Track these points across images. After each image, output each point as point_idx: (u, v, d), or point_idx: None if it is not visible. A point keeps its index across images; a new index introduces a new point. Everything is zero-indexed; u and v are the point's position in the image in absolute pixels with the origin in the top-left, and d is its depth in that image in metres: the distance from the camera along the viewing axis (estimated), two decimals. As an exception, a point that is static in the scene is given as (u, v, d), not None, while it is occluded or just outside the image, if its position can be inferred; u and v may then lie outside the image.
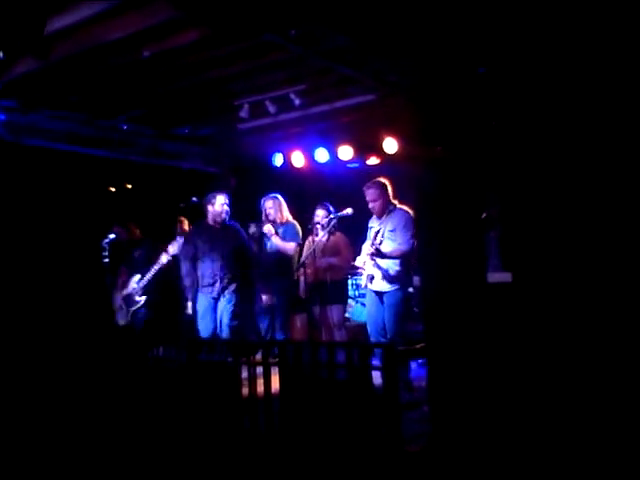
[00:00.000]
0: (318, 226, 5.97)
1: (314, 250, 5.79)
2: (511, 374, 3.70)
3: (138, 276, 6.13)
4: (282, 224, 6.22)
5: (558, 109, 3.83)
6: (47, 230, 6.38)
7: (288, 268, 6.17)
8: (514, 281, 3.80)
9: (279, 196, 6.37)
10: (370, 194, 5.37)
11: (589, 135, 3.73)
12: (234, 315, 5.86)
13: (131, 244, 6.31)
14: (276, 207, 6.27)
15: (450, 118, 4.03)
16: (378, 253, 5.14)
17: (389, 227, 5.26)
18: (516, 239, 3.90)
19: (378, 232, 5.24)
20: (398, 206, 5.38)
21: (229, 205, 6.02)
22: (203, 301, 5.89)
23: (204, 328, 5.85)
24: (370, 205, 5.39)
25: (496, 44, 4.15)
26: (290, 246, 6.16)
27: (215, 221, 5.98)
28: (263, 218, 6.27)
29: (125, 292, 6.20)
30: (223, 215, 5.96)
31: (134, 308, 6.12)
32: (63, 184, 6.53)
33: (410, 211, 5.30)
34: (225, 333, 5.81)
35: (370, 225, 5.52)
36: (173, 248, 6.04)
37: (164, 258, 6.00)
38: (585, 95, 3.75)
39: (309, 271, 5.81)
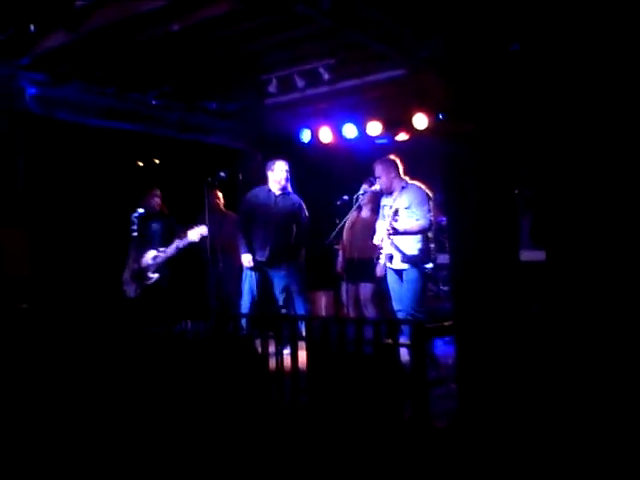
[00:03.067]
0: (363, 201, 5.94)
1: (347, 226, 5.81)
2: (541, 353, 3.67)
3: (154, 252, 6.06)
4: None
5: (593, 87, 3.74)
6: (76, 204, 6.45)
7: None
8: (548, 260, 3.74)
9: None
10: (375, 171, 5.43)
11: (628, 112, 3.63)
12: (287, 296, 5.95)
13: (149, 217, 6.17)
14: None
15: (482, 94, 3.96)
16: (395, 232, 5.12)
17: (404, 204, 5.24)
18: (551, 218, 3.83)
19: (391, 208, 5.24)
20: (410, 182, 5.35)
21: (289, 172, 5.98)
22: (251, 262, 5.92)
23: (245, 289, 5.94)
24: (376, 182, 5.42)
25: (530, 21, 4.06)
26: None
27: (275, 187, 5.96)
28: None
29: (137, 266, 6.09)
30: (282, 181, 5.93)
31: (148, 283, 6.09)
32: (92, 157, 6.57)
33: (423, 187, 5.30)
34: (275, 307, 5.93)
35: (383, 203, 5.49)
36: (193, 235, 5.97)
37: (181, 243, 5.98)
38: (622, 71, 3.65)
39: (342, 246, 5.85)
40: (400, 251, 5.19)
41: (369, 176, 5.90)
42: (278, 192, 5.97)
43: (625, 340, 3.45)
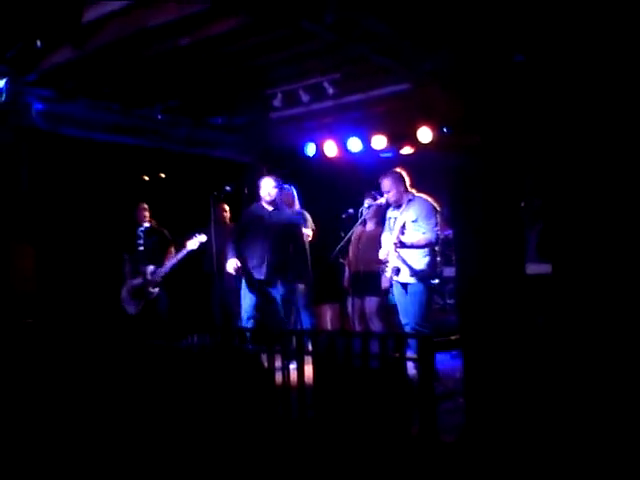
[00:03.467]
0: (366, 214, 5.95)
1: (353, 240, 5.81)
2: (548, 366, 3.65)
3: (152, 267, 6.09)
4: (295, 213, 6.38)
5: (598, 98, 3.74)
6: (82, 218, 6.48)
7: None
8: (554, 273, 3.73)
9: (292, 188, 6.56)
10: (384, 185, 5.39)
11: (634, 122, 3.63)
12: (289, 312, 5.91)
13: (144, 232, 6.21)
14: (293, 197, 6.48)
15: (488, 106, 3.97)
16: (402, 245, 5.11)
17: (411, 217, 5.22)
18: (558, 231, 3.83)
19: (396, 221, 5.23)
20: (417, 195, 5.35)
21: (279, 187, 5.99)
22: (249, 281, 5.85)
23: (244, 308, 5.86)
24: (385, 196, 5.39)
25: (534, 33, 4.08)
26: (308, 232, 6.38)
27: (267, 203, 5.96)
28: None
29: (137, 283, 6.14)
30: (268, 198, 5.92)
31: (149, 298, 6.08)
32: (97, 172, 6.61)
33: (430, 199, 5.27)
34: (279, 324, 5.84)
35: (389, 215, 5.48)
36: (192, 244, 6.07)
37: (180, 254, 6.10)
38: (625, 80, 3.65)
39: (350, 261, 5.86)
40: (407, 265, 5.17)
41: (373, 189, 5.93)
42: (271, 208, 5.95)
43: (632, 352, 3.43)
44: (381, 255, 5.35)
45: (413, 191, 5.38)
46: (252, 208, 6.09)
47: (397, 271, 5.24)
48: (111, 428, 4.38)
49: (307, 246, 6.40)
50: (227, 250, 5.90)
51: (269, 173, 6.17)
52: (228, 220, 6.79)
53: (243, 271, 5.81)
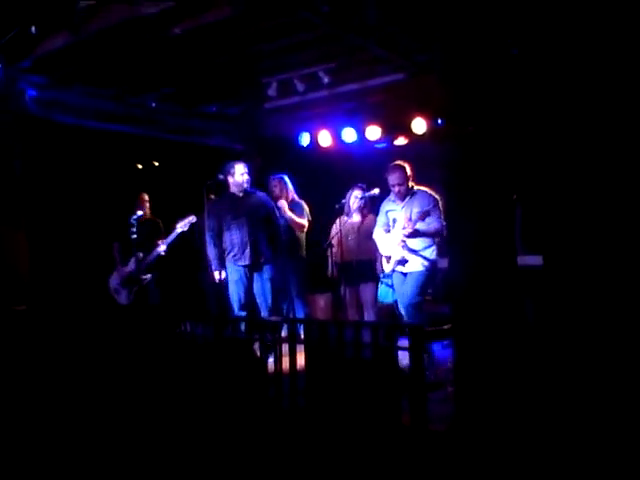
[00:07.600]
0: (354, 206, 5.95)
1: (340, 231, 5.80)
2: (539, 357, 3.69)
3: (141, 253, 6.08)
4: (289, 203, 6.31)
5: (589, 91, 3.77)
6: (76, 206, 6.47)
7: (299, 246, 6.30)
8: (545, 265, 3.76)
9: (285, 177, 6.45)
10: (396, 178, 5.33)
11: (623, 118, 3.66)
12: (274, 293, 5.83)
13: (137, 221, 6.12)
14: (280, 187, 6.36)
15: (482, 98, 3.98)
16: (416, 233, 5.13)
17: (416, 209, 5.23)
18: (548, 222, 3.85)
19: (397, 217, 5.26)
20: (416, 187, 5.35)
21: (249, 174, 5.86)
22: (233, 272, 5.76)
23: (235, 299, 5.79)
24: (396, 189, 5.35)
25: (529, 27, 4.09)
26: (303, 222, 6.30)
27: (236, 190, 5.83)
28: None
29: (127, 270, 6.15)
30: (244, 185, 5.81)
31: (142, 285, 6.09)
32: (90, 159, 6.59)
33: (431, 191, 5.28)
34: (264, 310, 5.76)
35: (387, 209, 5.47)
36: (182, 225, 6.08)
37: (171, 235, 6.11)
38: (618, 77, 3.68)
39: (336, 251, 5.83)
40: (418, 255, 5.21)
41: (360, 181, 5.95)
42: (241, 194, 5.84)
43: (623, 343, 3.47)
44: (384, 252, 5.35)
45: (412, 184, 5.39)
46: (220, 202, 5.94)
47: (404, 263, 5.26)
48: (105, 413, 4.40)
49: (304, 236, 6.38)
50: (209, 257, 5.81)
51: (240, 160, 6.00)
52: None
53: (226, 264, 5.78)
